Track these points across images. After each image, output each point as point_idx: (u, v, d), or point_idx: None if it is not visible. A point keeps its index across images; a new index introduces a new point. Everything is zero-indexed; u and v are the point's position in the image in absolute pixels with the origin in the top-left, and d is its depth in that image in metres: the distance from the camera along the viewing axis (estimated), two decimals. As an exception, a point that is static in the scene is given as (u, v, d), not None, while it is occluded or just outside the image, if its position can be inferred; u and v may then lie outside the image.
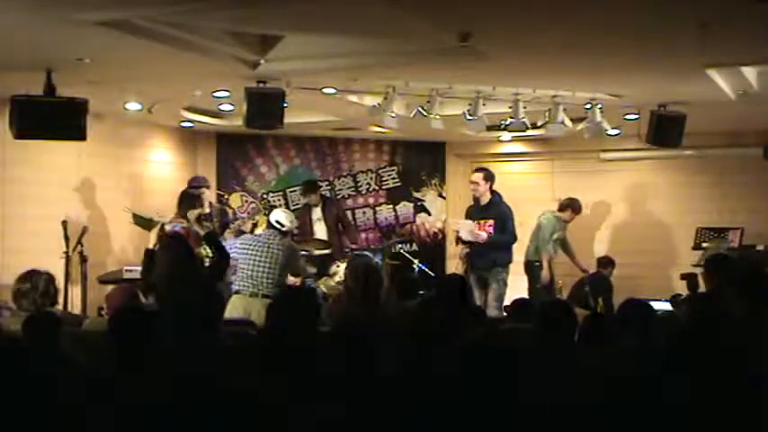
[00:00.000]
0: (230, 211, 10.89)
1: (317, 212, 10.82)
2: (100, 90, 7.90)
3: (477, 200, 9.53)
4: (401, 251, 11.38)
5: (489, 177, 9.46)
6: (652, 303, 5.10)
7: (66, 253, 8.28)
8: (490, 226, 9.26)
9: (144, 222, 8.56)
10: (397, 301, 6.83)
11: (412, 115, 8.59)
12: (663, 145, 9.21)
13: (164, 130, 11.05)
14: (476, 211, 9.51)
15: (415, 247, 11.85)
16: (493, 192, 9.46)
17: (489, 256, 9.24)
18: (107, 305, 6.95)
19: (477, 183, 9.44)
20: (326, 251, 10.38)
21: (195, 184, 9.81)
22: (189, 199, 9.01)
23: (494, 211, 9.36)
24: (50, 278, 5.64)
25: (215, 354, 4.26)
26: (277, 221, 7.98)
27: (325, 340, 4.12)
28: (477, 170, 9.62)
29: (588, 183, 11.62)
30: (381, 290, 6.60)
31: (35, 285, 5.48)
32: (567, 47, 6.76)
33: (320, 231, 10.74)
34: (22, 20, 6.02)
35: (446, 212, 12.06)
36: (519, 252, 9.92)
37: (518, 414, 3.34)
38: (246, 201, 11.68)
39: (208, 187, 9.93)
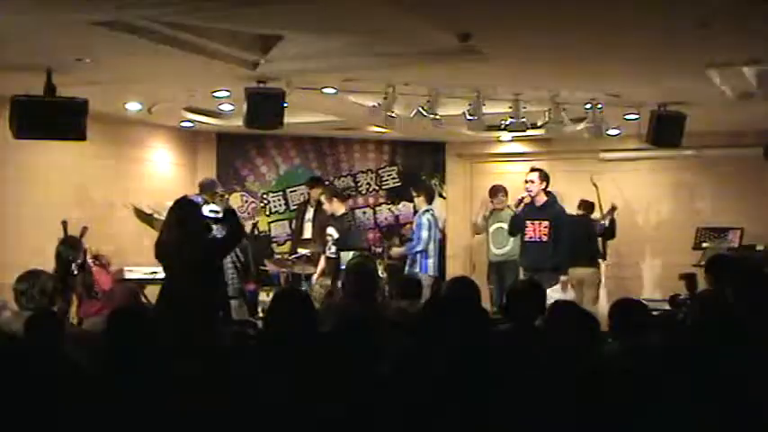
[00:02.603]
0: None
1: (310, 213, 10.80)
2: (100, 90, 7.88)
3: (531, 200, 9.26)
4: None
5: (544, 177, 9.28)
6: (651, 303, 5.09)
7: (67, 253, 8.26)
8: (545, 227, 9.09)
9: (145, 218, 8.52)
10: (397, 301, 6.82)
11: (412, 115, 8.58)
12: (663, 145, 9.19)
13: (164, 130, 11.06)
14: (530, 212, 9.25)
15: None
16: (548, 192, 9.31)
17: (549, 262, 8.99)
18: (110, 304, 6.91)
19: (532, 182, 9.23)
20: (310, 250, 10.26)
21: (208, 185, 9.21)
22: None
23: (549, 212, 9.20)
24: (50, 277, 5.67)
25: (214, 353, 4.26)
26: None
27: (326, 340, 4.12)
28: (533, 170, 9.42)
29: (588, 183, 11.59)
30: (377, 290, 6.59)
31: (35, 284, 5.51)
32: (567, 47, 6.76)
33: (308, 231, 10.76)
34: (22, 20, 6.01)
35: (446, 212, 12.06)
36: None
37: (518, 413, 3.35)
38: (246, 201, 11.69)
39: (219, 194, 9.46)
